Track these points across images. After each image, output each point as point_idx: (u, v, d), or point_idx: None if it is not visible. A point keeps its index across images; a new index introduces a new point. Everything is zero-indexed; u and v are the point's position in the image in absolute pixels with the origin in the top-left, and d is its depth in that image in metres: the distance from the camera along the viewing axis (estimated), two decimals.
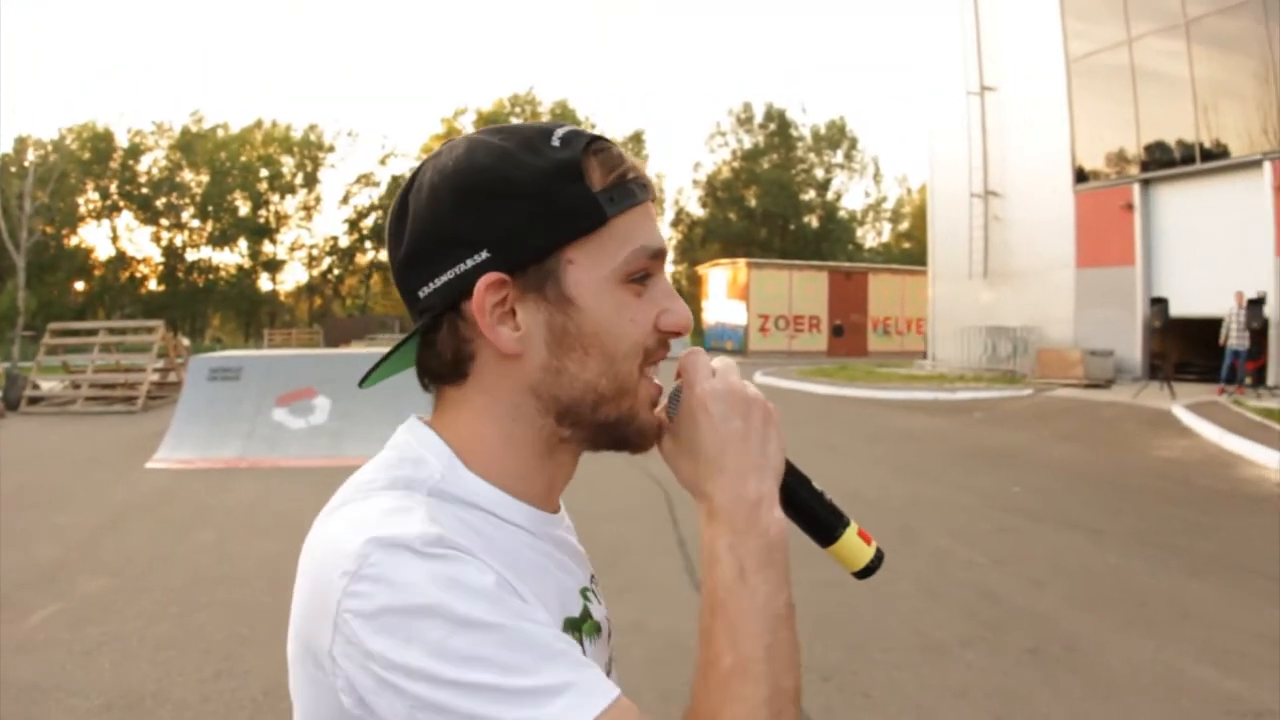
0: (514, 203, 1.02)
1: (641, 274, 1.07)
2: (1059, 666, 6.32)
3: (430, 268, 1.04)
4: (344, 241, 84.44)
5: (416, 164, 1.12)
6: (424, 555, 0.90)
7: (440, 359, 1.09)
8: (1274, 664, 6.23)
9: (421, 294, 1.06)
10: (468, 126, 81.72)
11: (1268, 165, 22.56)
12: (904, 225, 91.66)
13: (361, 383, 1.20)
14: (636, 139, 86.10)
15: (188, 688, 5.83)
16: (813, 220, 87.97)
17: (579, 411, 1.08)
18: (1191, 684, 5.95)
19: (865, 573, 1.16)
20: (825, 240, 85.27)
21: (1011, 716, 5.58)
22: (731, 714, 0.93)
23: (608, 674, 1.09)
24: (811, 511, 1.15)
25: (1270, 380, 22.03)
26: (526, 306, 1.04)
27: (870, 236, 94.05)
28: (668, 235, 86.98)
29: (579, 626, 1.09)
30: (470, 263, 1.02)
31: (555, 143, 1.04)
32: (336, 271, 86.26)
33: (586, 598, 1.15)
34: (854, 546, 1.15)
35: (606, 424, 1.09)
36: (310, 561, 0.99)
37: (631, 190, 1.06)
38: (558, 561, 1.12)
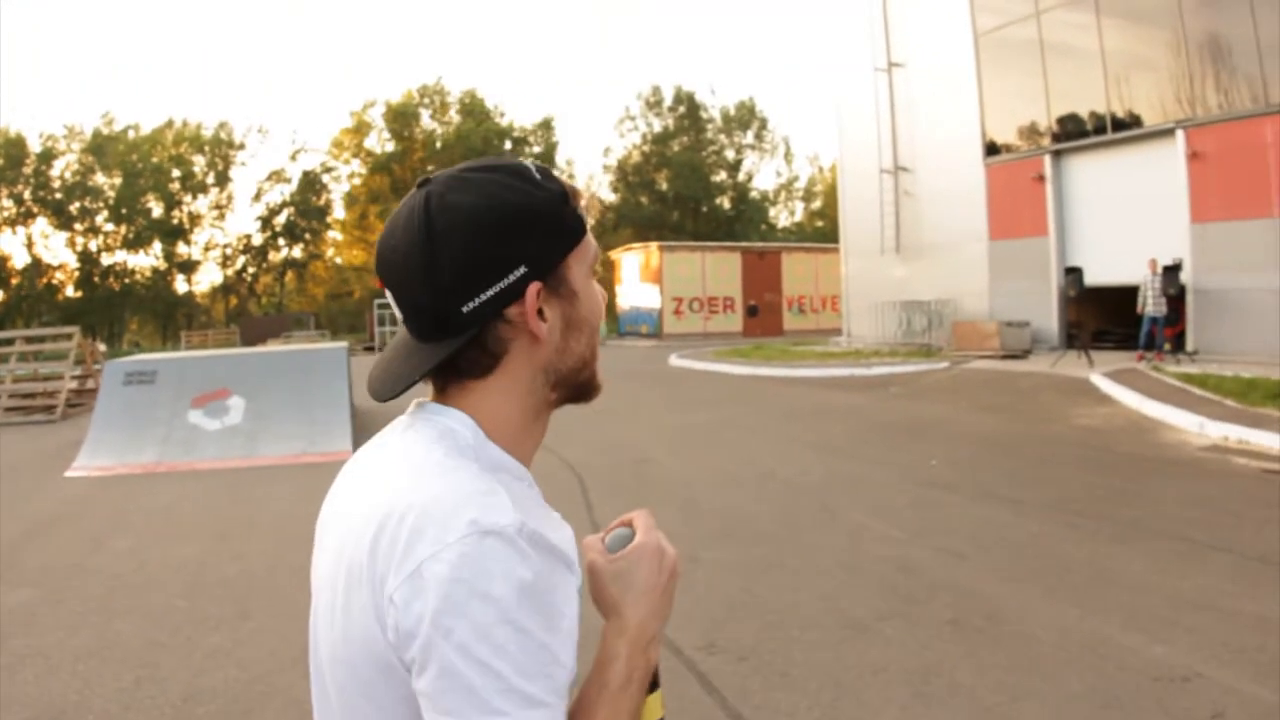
0: (539, 227, 1.28)
1: (594, 267, 1.38)
2: (981, 638, 6.24)
3: (476, 286, 1.25)
4: (257, 239, 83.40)
5: (416, 196, 1.31)
6: (510, 544, 1.13)
7: (480, 356, 1.30)
8: (1197, 627, 6.23)
9: (466, 308, 1.25)
10: (377, 119, 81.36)
11: (1180, 133, 22.61)
12: (817, 204, 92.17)
13: (387, 398, 1.34)
14: (546, 126, 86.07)
15: (108, 697, 5.80)
16: (724, 202, 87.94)
17: (570, 377, 1.37)
18: (1118, 650, 5.90)
19: None
20: (738, 221, 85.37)
21: (932, 691, 5.46)
22: None
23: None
24: None
25: (1189, 346, 22.06)
26: (550, 303, 1.30)
27: (784, 216, 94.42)
28: None
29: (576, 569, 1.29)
30: (512, 277, 1.26)
31: (538, 175, 1.31)
32: (251, 270, 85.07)
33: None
34: (654, 707, 1.36)
35: (582, 382, 1.39)
36: (403, 513, 1.17)
37: (585, 209, 1.38)
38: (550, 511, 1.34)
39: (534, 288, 1.26)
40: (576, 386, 1.38)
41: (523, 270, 1.25)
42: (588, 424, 17.00)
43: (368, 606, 1.16)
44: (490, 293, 1.25)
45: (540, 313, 1.29)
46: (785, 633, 6.44)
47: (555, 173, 1.33)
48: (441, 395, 1.35)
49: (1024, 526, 9.14)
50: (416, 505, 1.16)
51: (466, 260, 1.24)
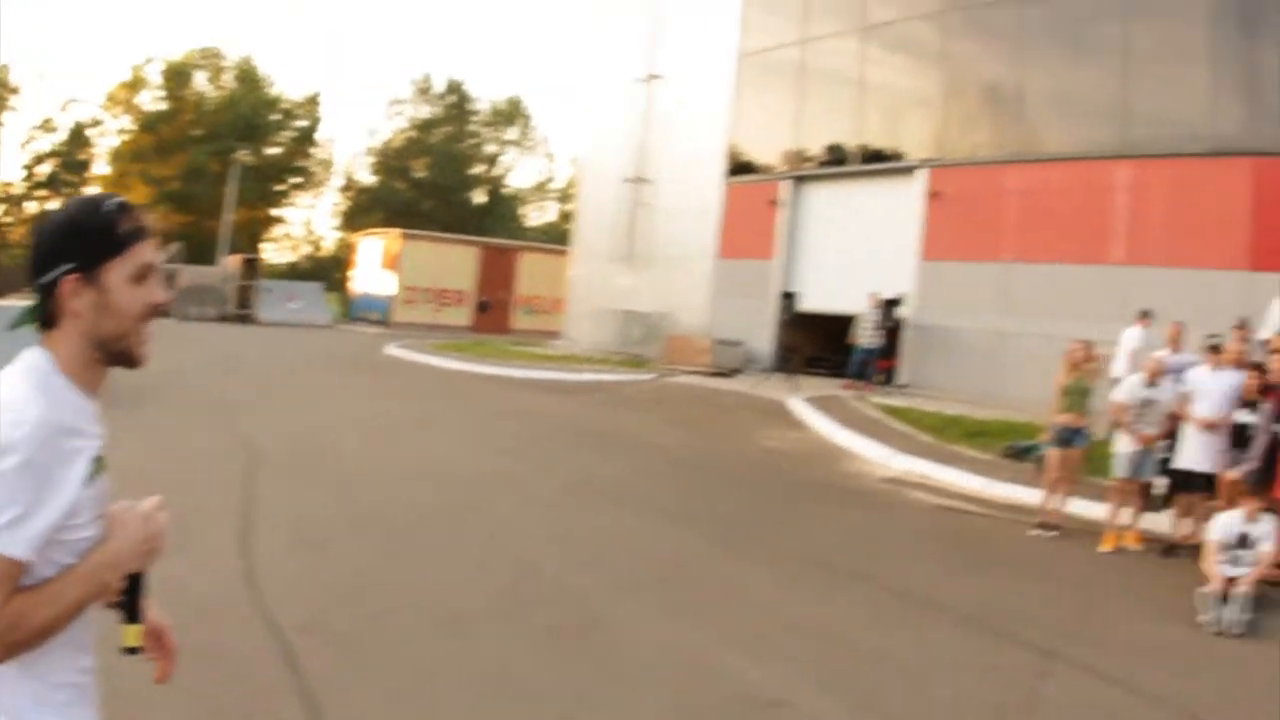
0: (86, 238, 1.99)
1: (143, 275, 2.04)
2: (573, 646, 6.24)
3: (43, 270, 1.97)
4: (18, 189, 78.18)
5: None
6: (26, 438, 1.82)
7: (48, 315, 2.00)
8: (810, 655, 6.28)
9: (39, 282, 1.97)
10: (155, 75, 77.57)
11: (923, 171, 22.79)
12: (572, 205, 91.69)
13: (13, 327, 2.20)
14: (312, 101, 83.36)
15: None
16: (479, 195, 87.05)
17: (106, 345, 2.03)
18: (711, 670, 5.90)
19: (128, 651, 2.05)
20: (489, 216, 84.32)
21: (501, 690, 5.47)
22: (51, 609, 1.86)
23: (100, 507, 2.04)
24: (133, 600, 2.05)
25: (901, 379, 22.29)
26: (87, 290, 1.97)
27: (536, 215, 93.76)
28: (336, 201, 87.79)
29: (100, 461, 2.00)
30: (64, 267, 1.96)
31: (109, 206, 2.01)
32: (8, 220, 79.82)
33: (102, 451, 2.04)
34: (134, 635, 2.04)
35: (119, 351, 2.05)
36: None
37: (140, 231, 2.05)
38: (94, 420, 2.04)
39: (70, 279, 1.97)
40: (114, 353, 2.06)
41: (68, 266, 1.97)
42: (277, 408, 16.46)
43: None
44: (49, 276, 1.98)
45: (81, 294, 1.98)
46: (387, 622, 6.45)
47: (129, 206, 2.06)
48: (43, 338, 2.04)
49: (671, 541, 8.96)
50: None
51: (44, 252, 2.01)
